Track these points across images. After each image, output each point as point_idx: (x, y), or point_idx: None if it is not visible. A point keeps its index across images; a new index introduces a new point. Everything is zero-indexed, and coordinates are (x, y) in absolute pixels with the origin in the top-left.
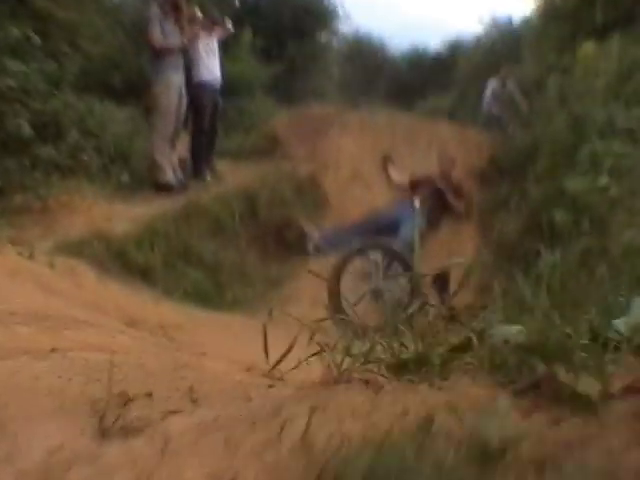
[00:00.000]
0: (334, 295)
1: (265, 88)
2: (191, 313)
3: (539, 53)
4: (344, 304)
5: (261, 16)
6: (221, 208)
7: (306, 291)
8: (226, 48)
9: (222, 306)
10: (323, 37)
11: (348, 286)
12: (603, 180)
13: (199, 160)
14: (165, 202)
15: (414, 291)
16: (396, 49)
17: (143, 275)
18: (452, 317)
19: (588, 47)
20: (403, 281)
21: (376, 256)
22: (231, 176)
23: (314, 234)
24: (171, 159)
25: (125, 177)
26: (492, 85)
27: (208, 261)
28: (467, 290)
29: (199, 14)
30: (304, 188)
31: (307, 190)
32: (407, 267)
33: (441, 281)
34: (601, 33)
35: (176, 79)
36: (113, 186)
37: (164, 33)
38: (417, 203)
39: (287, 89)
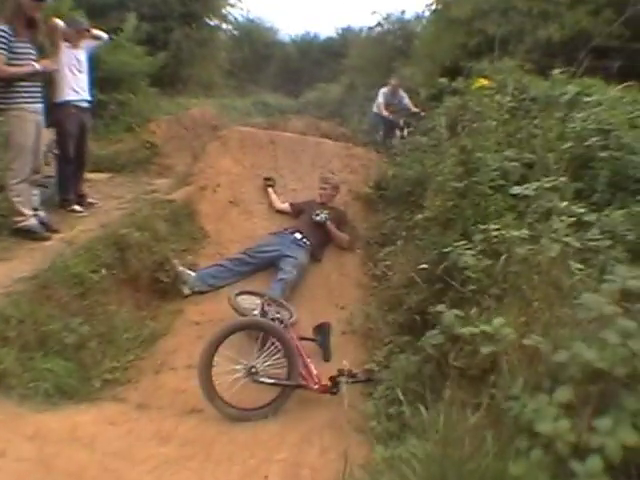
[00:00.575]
0: (205, 380)
1: (150, 78)
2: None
3: (432, 59)
4: (216, 389)
5: (146, 0)
6: (86, 265)
7: (182, 351)
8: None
9: (90, 395)
10: (212, 22)
11: (221, 365)
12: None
13: (66, 191)
14: (23, 260)
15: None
16: (287, 35)
17: None
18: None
19: (482, 81)
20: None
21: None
22: (103, 202)
23: (189, 276)
24: (31, 200)
25: None
26: (383, 94)
27: (71, 343)
28: (351, 340)
29: (60, 24)
30: (180, 217)
31: (183, 219)
32: (287, 314)
33: (322, 332)
34: (492, 46)
35: (32, 109)
36: None
37: (14, 55)
38: (298, 235)
39: (173, 78)
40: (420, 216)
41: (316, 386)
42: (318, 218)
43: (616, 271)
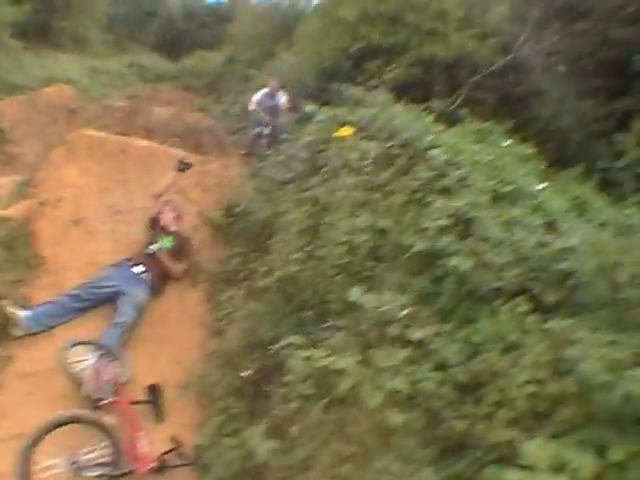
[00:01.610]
0: (24, 477)
1: (14, 28)
2: None
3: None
4: None
5: None
6: None
7: (10, 416)
8: None
9: None
10: None
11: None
12: None
13: None
14: None
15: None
16: None
17: None
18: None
19: (344, 131)
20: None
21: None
22: None
23: (20, 316)
24: None
25: None
26: (262, 96)
27: None
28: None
29: None
30: (15, 240)
31: (18, 242)
32: (121, 371)
33: (154, 393)
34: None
35: None
36: None
37: None
38: (138, 268)
39: (43, 29)
40: (255, 287)
41: (143, 469)
42: (149, 250)
43: None
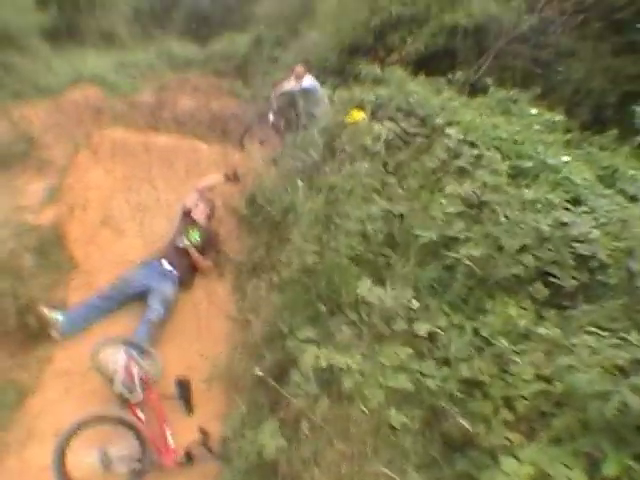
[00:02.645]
0: (60, 473)
1: (43, 32)
2: None
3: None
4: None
5: None
6: None
7: (49, 413)
8: None
9: None
10: None
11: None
12: None
13: None
14: None
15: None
16: None
17: None
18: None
19: (356, 115)
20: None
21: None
22: None
23: (57, 320)
24: None
25: None
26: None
27: None
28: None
29: None
30: (47, 246)
31: (51, 247)
32: (152, 366)
33: (182, 387)
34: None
35: None
36: None
37: None
38: (166, 264)
39: (70, 29)
40: (275, 279)
41: (170, 462)
42: (179, 243)
43: None
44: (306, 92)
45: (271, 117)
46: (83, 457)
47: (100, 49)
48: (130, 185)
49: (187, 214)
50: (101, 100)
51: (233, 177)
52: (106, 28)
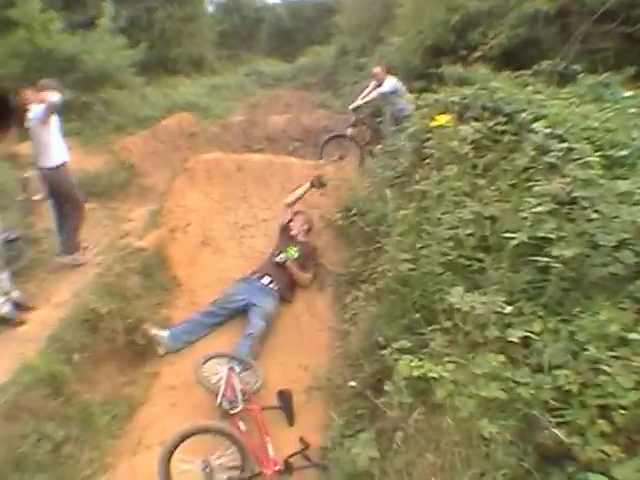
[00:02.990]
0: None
1: (136, 67)
2: None
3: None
4: None
5: None
6: (57, 356)
7: (157, 425)
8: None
9: None
10: None
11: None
12: None
13: (72, 238)
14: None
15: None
16: None
17: None
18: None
19: (441, 119)
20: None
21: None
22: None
23: (162, 337)
24: (1, 287)
25: None
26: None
27: (46, 453)
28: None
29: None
30: (151, 268)
31: (154, 269)
32: (253, 378)
33: (284, 399)
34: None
35: None
36: None
37: None
38: (266, 280)
39: (162, 60)
40: (372, 289)
41: (270, 472)
42: (278, 259)
43: None
44: (388, 96)
45: (349, 131)
46: (187, 466)
47: (191, 76)
48: (227, 205)
49: (285, 230)
50: (195, 125)
51: (318, 184)
52: (195, 55)
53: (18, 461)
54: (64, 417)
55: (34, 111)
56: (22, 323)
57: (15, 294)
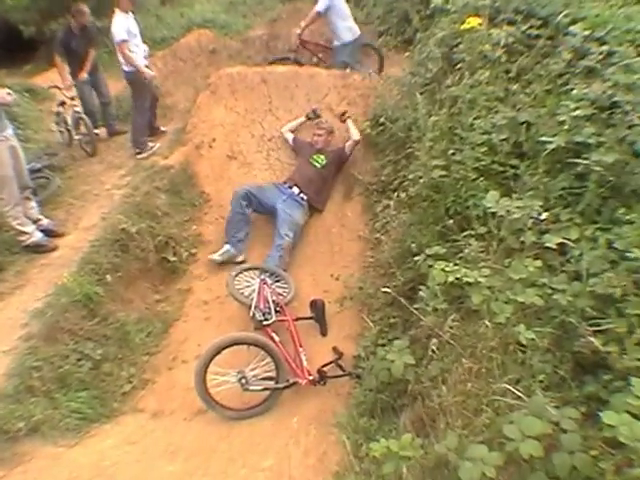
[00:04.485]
0: (202, 393)
1: None
2: None
3: None
4: (214, 397)
5: None
6: (90, 279)
7: (192, 339)
8: None
9: (113, 414)
10: None
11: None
12: None
13: (141, 137)
14: (36, 284)
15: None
16: None
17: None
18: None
19: (472, 21)
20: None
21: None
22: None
23: (224, 252)
24: (32, 214)
25: None
26: None
27: (87, 371)
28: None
29: None
30: (179, 185)
31: (182, 186)
32: (285, 288)
33: (317, 309)
34: None
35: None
36: None
37: None
38: (296, 190)
39: None
40: (404, 197)
41: (305, 381)
42: (309, 171)
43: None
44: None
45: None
46: (222, 378)
47: None
48: (252, 118)
49: (304, 145)
50: (214, 41)
51: (314, 116)
52: None
53: (62, 379)
54: (101, 336)
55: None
56: (54, 249)
57: (44, 221)
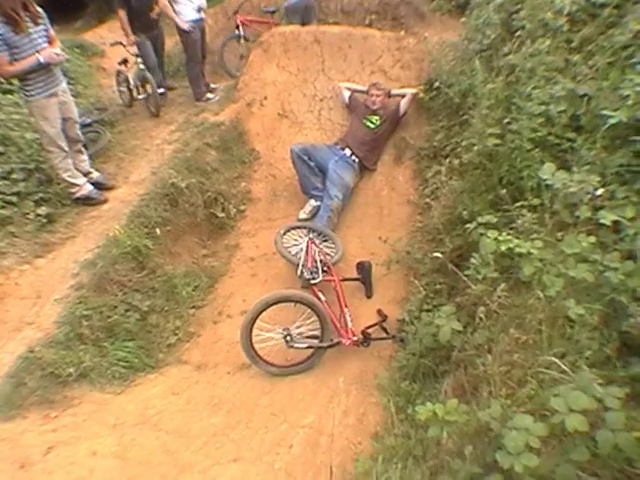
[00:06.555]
0: (247, 349)
1: None
2: None
3: None
4: (258, 353)
5: None
6: (139, 231)
7: (238, 294)
8: None
9: (158, 364)
10: None
11: (261, 334)
12: None
13: (198, 85)
14: (86, 235)
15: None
16: None
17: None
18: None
19: None
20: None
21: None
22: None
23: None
24: (82, 167)
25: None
26: None
27: (135, 322)
28: (395, 272)
29: None
30: (229, 142)
31: (232, 143)
32: (333, 248)
33: (364, 270)
34: None
35: (49, 94)
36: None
37: (18, 50)
38: (347, 152)
39: None
40: (456, 163)
41: (348, 342)
42: (361, 132)
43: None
44: None
45: None
46: (268, 334)
47: None
48: (305, 78)
49: (360, 105)
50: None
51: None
52: None
53: (110, 329)
54: (149, 289)
55: None
56: (104, 202)
57: (95, 175)
